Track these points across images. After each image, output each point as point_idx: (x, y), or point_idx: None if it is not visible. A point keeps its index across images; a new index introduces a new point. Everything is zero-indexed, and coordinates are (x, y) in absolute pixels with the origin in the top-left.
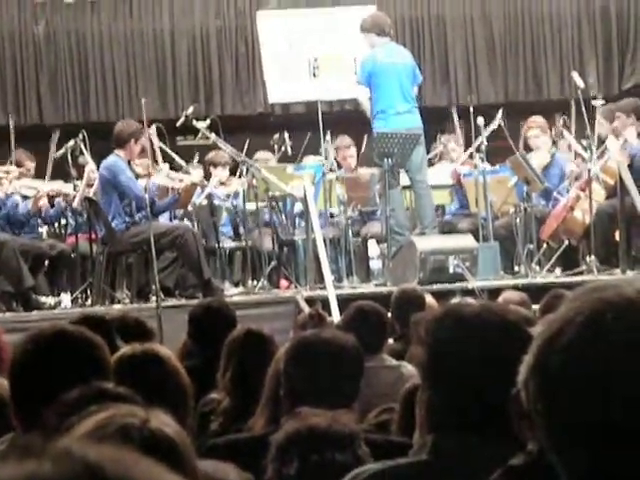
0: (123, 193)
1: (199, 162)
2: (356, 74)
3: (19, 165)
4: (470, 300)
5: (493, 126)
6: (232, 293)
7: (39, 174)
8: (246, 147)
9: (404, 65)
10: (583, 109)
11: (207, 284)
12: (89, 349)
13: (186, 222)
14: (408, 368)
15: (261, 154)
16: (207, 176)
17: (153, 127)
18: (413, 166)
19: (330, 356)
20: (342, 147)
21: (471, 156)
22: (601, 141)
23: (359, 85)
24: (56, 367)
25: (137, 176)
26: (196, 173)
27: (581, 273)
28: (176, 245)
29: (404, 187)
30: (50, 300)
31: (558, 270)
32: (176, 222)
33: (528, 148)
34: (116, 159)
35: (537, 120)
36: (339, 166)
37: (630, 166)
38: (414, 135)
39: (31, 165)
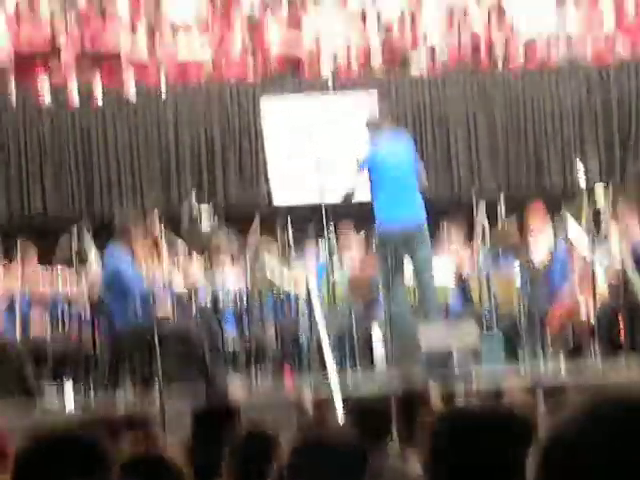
0: (127, 290)
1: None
2: (356, 166)
3: (23, 256)
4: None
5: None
6: (236, 389)
7: (43, 263)
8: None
9: (407, 158)
10: (585, 200)
11: (211, 381)
12: (93, 451)
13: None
14: (412, 467)
15: (264, 247)
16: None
17: (156, 213)
18: (419, 263)
19: (333, 458)
20: (344, 232)
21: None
22: (604, 233)
23: (356, 174)
24: (58, 468)
25: (140, 264)
26: (198, 266)
27: (585, 365)
28: (180, 341)
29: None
30: (53, 397)
31: (562, 362)
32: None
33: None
34: (119, 254)
35: (536, 213)
36: (341, 258)
37: (636, 261)
38: (417, 230)
39: (34, 256)
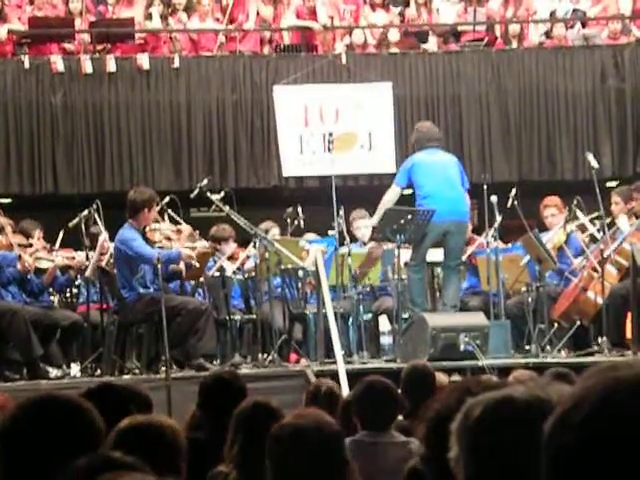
0: (136, 261)
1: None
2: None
3: (26, 235)
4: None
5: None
6: (236, 362)
7: (51, 242)
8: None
9: (449, 159)
10: (597, 190)
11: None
12: (79, 417)
13: (197, 295)
14: (417, 445)
15: (265, 225)
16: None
17: (166, 198)
18: (451, 253)
19: (314, 444)
20: (356, 219)
21: (480, 234)
22: (613, 222)
23: (394, 185)
24: (43, 437)
25: (150, 243)
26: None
27: (592, 354)
28: (188, 316)
29: (430, 263)
30: (57, 372)
31: (569, 350)
32: (188, 297)
33: (544, 227)
34: (129, 230)
35: (554, 199)
36: (352, 240)
37: None
38: (426, 211)
39: (39, 234)
